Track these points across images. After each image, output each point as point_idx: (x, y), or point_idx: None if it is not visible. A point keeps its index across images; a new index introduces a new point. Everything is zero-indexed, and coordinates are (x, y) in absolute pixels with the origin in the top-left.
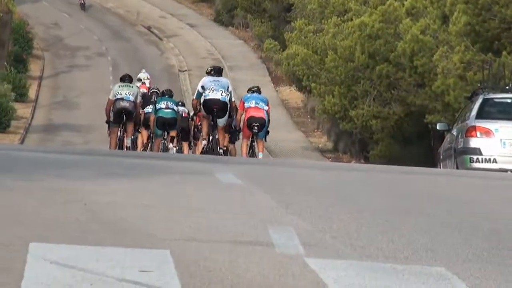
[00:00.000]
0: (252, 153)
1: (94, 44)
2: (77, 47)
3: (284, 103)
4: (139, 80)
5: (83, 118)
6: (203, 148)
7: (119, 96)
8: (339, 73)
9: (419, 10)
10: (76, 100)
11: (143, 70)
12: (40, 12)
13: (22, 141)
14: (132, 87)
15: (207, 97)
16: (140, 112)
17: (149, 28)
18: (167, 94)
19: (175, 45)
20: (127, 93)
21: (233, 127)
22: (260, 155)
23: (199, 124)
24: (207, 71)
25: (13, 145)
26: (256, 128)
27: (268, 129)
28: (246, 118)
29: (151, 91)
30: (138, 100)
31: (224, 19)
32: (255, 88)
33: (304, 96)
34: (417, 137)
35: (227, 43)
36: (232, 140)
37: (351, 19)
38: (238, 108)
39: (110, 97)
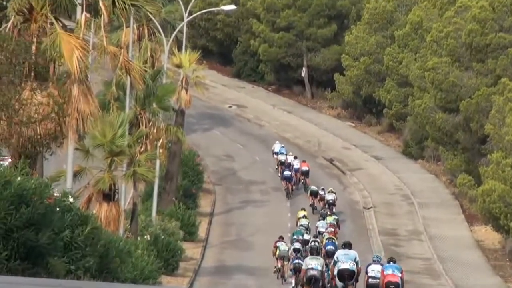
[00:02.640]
0: None
1: (270, 178)
2: (251, 181)
3: (479, 244)
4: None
5: (257, 259)
6: None
7: (309, 266)
8: None
9: None
10: (250, 239)
11: (277, 142)
12: (211, 143)
13: (191, 285)
14: (319, 259)
15: (340, 268)
16: None
17: (331, 161)
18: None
19: (359, 179)
20: (316, 264)
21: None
22: None
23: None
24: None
25: None
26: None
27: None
28: (384, 282)
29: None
30: (324, 269)
31: (413, 151)
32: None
33: (502, 236)
34: None
35: (417, 177)
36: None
37: None
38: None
39: (303, 267)
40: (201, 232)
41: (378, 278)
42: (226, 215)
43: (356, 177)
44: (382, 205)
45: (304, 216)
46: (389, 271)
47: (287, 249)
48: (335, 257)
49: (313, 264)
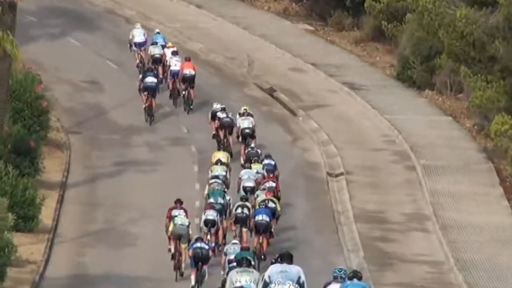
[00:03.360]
0: None
1: (165, 121)
2: (133, 127)
3: None
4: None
5: (141, 264)
6: None
7: (238, 285)
8: None
9: None
10: (130, 229)
11: (138, 24)
12: (64, 60)
13: None
14: (253, 272)
15: None
16: None
17: (271, 92)
18: None
19: (320, 125)
20: (247, 280)
21: None
22: None
23: None
24: (273, 259)
25: None
26: None
27: None
28: None
29: None
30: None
31: (416, 75)
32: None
33: None
34: None
35: (422, 121)
36: None
37: None
38: None
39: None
40: (46, 217)
41: None
42: (89, 188)
43: (316, 121)
44: (360, 171)
45: (220, 162)
46: None
47: (187, 223)
48: (266, 276)
49: (243, 281)
